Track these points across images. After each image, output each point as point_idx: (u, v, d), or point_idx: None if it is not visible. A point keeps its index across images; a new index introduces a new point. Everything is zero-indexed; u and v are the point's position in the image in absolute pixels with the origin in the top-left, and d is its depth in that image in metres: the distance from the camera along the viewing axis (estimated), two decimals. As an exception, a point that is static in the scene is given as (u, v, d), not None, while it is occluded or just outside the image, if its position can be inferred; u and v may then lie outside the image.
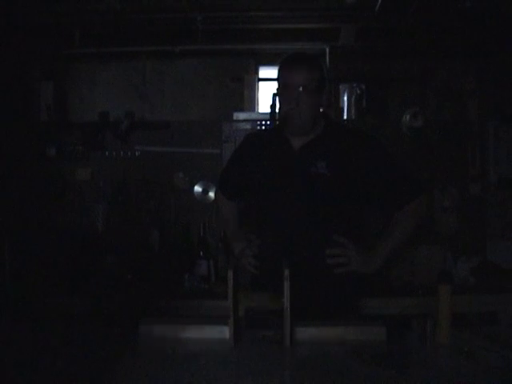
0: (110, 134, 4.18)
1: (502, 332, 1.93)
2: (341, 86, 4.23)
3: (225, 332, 1.75)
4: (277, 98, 3.62)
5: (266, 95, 4.42)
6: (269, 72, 4.45)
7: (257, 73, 4.44)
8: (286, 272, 1.69)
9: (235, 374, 1.48)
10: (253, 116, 4.18)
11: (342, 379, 1.40)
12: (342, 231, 2.29)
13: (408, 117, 4.06)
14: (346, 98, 4.19)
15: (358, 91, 4.13)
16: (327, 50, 4.11)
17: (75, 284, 3.42)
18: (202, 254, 3.85)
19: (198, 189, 4.23)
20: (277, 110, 3.98)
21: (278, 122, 3.90)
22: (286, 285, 1.69)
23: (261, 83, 4.47)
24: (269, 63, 4.37)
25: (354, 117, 4.16)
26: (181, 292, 3.51)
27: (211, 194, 4.18)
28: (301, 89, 2.14)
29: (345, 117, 4.19)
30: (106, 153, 4.24)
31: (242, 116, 4.19)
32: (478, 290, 3.46)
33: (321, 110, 2.35)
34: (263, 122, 4.11)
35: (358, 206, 2.38)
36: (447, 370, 1.48)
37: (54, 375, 1.42)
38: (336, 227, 2.29)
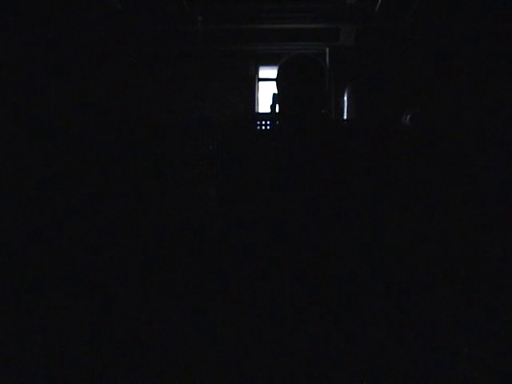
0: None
1: (501, 332, 1.94)
2: (341, 86, 4.24)
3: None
4: (277, 98, 3.63)
5: (266, 95, 4.43)
6: (269, 72, 4.46)
7: (257, 73, 4.45)
8: (286, 272, 1.69)
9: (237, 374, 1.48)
10: (253, 116, 4.19)
11: (342, 379, 1.41)
12: (343, 230, 2.29)
13: (408, 117, 4.07)
14: (345, 98, 4.20)
15: (359, 91, 4.14)
16: (327, 50, 4.12)
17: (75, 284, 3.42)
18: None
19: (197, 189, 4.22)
20: (277, 110, 3.98)
21: (277, 123, 3.91)
22: (286, 284, 1.69)
23: (261, 83, 4.48)
24: (269, 63, 4.38)
25: (353, 117, 4.17)
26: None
27: (211, 194, 4.17)
28: (302, 89, 2.14)
29: (345, 117, 4.20)
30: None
31: (241, 116, 4.19)
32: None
33: (322, 110, 2.35)
34: (263, 122, 4.11)
35: (358, 205, 2.38)
36: (447, 370, 1.48)
37: (54, 375, 1.42)
38: (336, 226, 2.30)
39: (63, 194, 4.13)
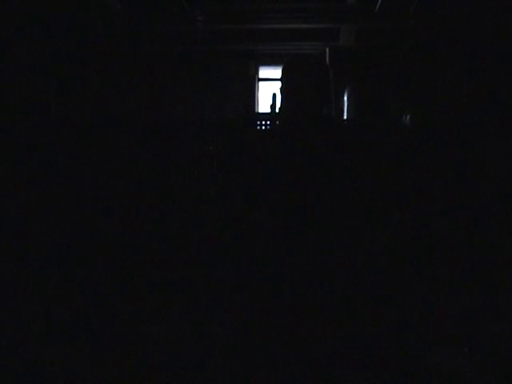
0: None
1: (502, 332, 1.94)
2: (341, 86, 4.24)
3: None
4: (277, 98, 3.62)
5: (266, 95, 4.42)
6: (269, 72, 4.46)
7: (257, 73, 4.45)
8: (286, 271, 1.69)
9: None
10: (253, 116, 4.20)
11: (342, 379, 1.41)
12: (343, 230, 2.29)
13: (408, 117, 4.06)
14: (345, 98, 4.20)
15: (359, 91, 4.15)
16: (327, 50, 4.12)
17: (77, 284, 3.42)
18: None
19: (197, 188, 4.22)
20: (277, 110, 3.98)
21: (277, 122, 3.90)
22: (286, 284, 1.69)
23: (261, 83, 4.48)
24: (269, 63, 4.38)
25: (353, 117, 4.17)
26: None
27: (211, 193, 4.17)
28: (304, 89, 2.14)
29: (345, 117, 4.20)
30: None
31: (242, 116, 4.19)
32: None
33: (322, 110, 2.34)
34: (263, 122, 4.11)
35: (358, 204, 2.38)
36: (447, 369, 1.48)
37: (54, 374, 1.43)
38: (336, 226, 2.29)
39: (64, 194, 4.13)
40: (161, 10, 3.71)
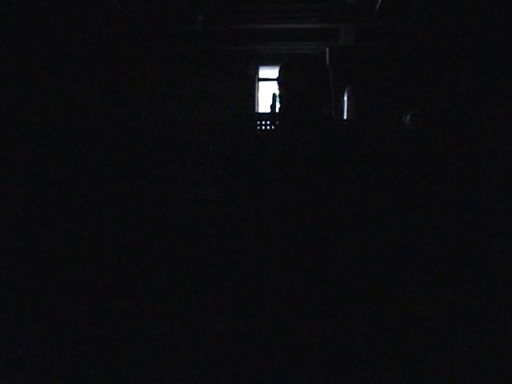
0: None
1: (502, 332, 1.94)
2: (341, 86, 4.24)
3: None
4: (277, 98, 3.62)
5: (266, 95, 4.42)
6: (269, 72, 4.46)
7: (257, 73, 4.45)
8: (286, 272, 1.69)
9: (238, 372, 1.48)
10: (253, 116, 4.20)
11: (342, 379, 1.41)
12: (343, 230, 2.28)
13: (408, 117, 4.06)
14: (345, 98, 4.20)
15: (358, 91, 4.14)
16: (327, 50, 4.12)
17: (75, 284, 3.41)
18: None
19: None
20: (277, 110, 3.98)
21: (277, 123, 3.90)
22: (286, 284, 1.69)
23: (261, 83, 4.48)
24: (269, 63, 4.38)
25: (353, 117, 4.17)
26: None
27: (211, 194, 4.17)
28: (304, 89, 2.13)
29: (345, 117, 4.20)
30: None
31: (242, 116, 4.19)
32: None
33: (322, 110, 2.34)
34: (263, 122, 4.11)
35: (358, 205, 2.37)
36: (447, 369, 1.48)
37: (54, 374, 1.42)
38: (337, 227, 2.29)
39: (64, 195, 4.11)
40: (161, 10, 3.71)
